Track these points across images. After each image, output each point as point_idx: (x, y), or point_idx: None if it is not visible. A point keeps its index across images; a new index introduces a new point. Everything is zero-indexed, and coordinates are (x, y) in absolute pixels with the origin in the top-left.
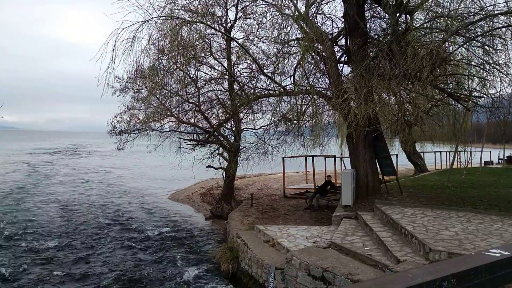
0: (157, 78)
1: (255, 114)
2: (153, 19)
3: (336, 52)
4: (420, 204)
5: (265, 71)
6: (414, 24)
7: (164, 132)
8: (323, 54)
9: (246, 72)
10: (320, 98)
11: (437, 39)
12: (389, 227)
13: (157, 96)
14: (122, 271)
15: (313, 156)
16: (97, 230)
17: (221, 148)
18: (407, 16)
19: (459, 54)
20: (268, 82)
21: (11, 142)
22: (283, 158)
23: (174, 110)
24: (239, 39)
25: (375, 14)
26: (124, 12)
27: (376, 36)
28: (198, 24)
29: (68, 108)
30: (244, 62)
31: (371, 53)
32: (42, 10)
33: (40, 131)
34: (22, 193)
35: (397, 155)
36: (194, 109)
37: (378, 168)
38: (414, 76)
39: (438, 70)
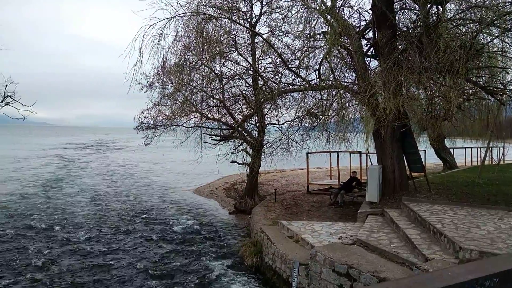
0: (182, 74)
1: (279, 109)
2: (180, 15)
3: (363, 46)
4: (449, 201)
5: (289, 65)
6: (445, 15)
7: (189, 127)
8: (350, 47)
9: (270, 67)
10: (346, 93)
11: (470, 31)
12: (417, 224)
13: (183, 92)
14: (148, 263)
15: (338, 152)
16: (124, 222)
17: (245, 143)
18: (439, 7)
19: (494, 46)
20: (292, 77)
21: (43, 137)
22: (307, 153)
23: (199, 105)
24: (264, 34)
25: (404, 6)
26: (152, 10)
27: (406, 29)
28: (223, 19)
29: (97, 104)
30: (269, 57)
31: (400, 46)
32: (74, 8)
33: (70, 126)
34: (55, 185)
35: (425, 150)
36: (218, 104)
37: (406, 164)
38: (446, 70)
39: (471, 63)
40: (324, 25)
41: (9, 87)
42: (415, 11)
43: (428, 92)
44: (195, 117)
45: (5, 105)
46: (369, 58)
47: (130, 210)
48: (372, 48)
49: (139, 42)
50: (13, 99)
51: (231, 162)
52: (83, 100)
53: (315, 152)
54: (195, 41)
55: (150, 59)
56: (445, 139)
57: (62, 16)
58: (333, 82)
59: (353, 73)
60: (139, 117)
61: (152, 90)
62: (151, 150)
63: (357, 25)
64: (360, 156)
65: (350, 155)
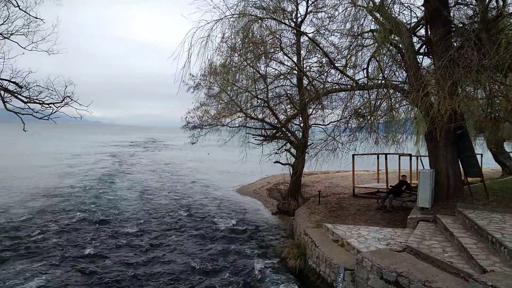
0: (228, 75)
1: (325, 110)
2: (227, 17)
3: (415, 43)
4: (510, 209)
5: (336, 64)
6: (507, 10)
7: (233, 127)
8: (400, 45)
9: (316, 67)
10: (396, 92)
11: None
12: (473, 233)
13: (228, 93)
14: (193, 259)
15: (386, 154)
16: (171, 218)
17: (288, 144)
18: (499, 0)
19: None
20: (339, 76)
21: (98, 135)
22: (353, 155)
23: (243, 106)
24: (309, 33)
25: (459, 1)
26: (201, 13)
27: (462, 25)
28: (268, 20)
29: (147, 105)
30: (314, 56)
31: (455, 43)
32: (126, 12)
33: (122, 125)
34: (107, 181)
35: (482, 154)
36: (262, 104)
37: (461, 169)
38: (507, 67)
39: None
40: (373, 23)
41: (68, 88)
42: (472, 6)
43: (487, 91)
44: (239, 117)
45: (65, 105)
46: (421, 56)
47: (176, 207)
48: (424, 46)
49: (188, 44)
50: (71, 99)
51: (274, 162)
52: (134, 101)
53: (362, 154)
54: (240, 42)
55: (198, 60)
56: (504, 142)
57: (116, 19)
58: (382, 81)
59: (404, 72)
60: (186, 117)
61: (199, 91)
62: (196, 149)
63: (408, 22)
64: (410, 159)
65: (400, 158)
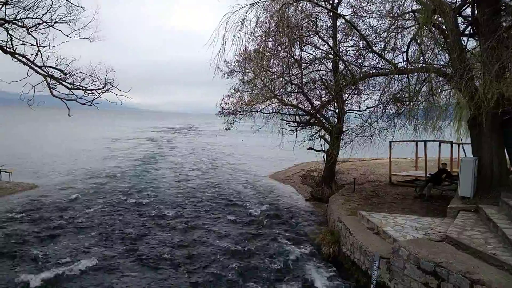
0: (262, 60)
1: (361, 95)
2: (261, 1)
3: (460, 24)
4: None
5: (374, 48)
6: None
7: (267, 113)
8: (443, 26)
9: (352, 51)
10: (438, 77)
11: None
12: None
13: (262, 78)
14: (227, 242)
15: (425, 141)
16: (205, 202)
17: (322, 130)
18: None
19: None
20: (377, 60)
21: (136, 120)
22: (390, 142)
23: (277, 91)
24: (346, 15)
25: None
26: None
27: None
28: (304, 2)
29: (183, 91)
30: (351, 39)
31: (504, 23)
32: (165, 4)
33: (159, 111)
34: (147, 164)
35: None
36: (296, 90)
37: (507, 157)
38: None
39: None
40: (414, 3)
41: (109, 75)
42: None
43: None
44: (273, 103)
45: (106, 91)
46: (465, 38)
47: (210, 191)
48: (470, 27)
49: (222, 30)
50: (112, 85)
51: (308, 149)
52: (170, 88)
53: (400, 141)
54: (275, 26)
55: (232, 46)
56: None
57: (154, 10)
58: (423, 65)
59: (447, 55)
60: (221, 103)
61: (233, 77)
62: (231, 135)
63: (453, 1)
64: (451, 146)
65: (440, 145)
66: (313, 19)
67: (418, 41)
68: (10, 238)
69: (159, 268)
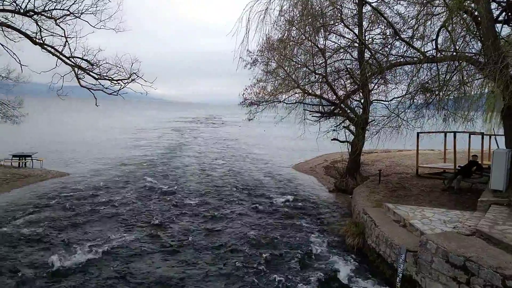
0: (285, 50)
1: (388, 85)
2: None
3: (493, 10)
4: None
5: (402, 36)
6: None
7: (290, 103)
8: (476, 13)
9: (379, 39)
10: (470, 65)
11: None
12: None
13: (285, 68)
14: (250, 232)
15: (455, 132)
16: (228, 191)
17: (347, 120)
18: None
19: None
20: (404, 49)
21: (161, 111)
22: (418, 133)
23: (300, 81)
24: (372, 2)
25: None
26: None
27: None
28: None
29: (206, 82)
30: (378, 27)
31: None
32: None
33: (183, 102)
34: (171, 153)
35: None
36: (320, 80)
37: None
38: None
39: None
40: None
41: (134, 65)
42: None
43: None
44: (296, 93)
45: (132, 81)
46: (499, 25)
47: (234, 181)
48: (504, 13)
49: (245, 19)
50: (137, 76)
51: (332, 140)
52: (194, 78)
53: (428, 132)
54: (298, 15)
55: (256, 35)
56: None
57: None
58: (453, 53)
59: (479, 43)
60: (243, 93)
61: (256, 67)
62: (254, 125)
63: None
64: (483, 138)
65: (470, 137)
66: (338, 7)
67: (449, 28)
68: (42, 222)
69: (183, 254)
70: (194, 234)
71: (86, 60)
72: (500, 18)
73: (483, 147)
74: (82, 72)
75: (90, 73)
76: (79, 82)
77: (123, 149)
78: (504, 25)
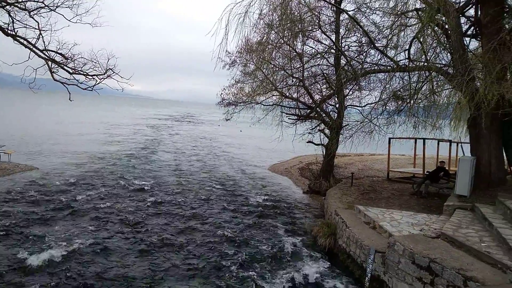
0: (264, 52)
1: (362, 91)
2: None
3: (462, 24)
4: None
5: (376, 44)
6: None
7: (267, 105)
8: (446, 26)
9: (355, 46)
10: (439, 76)
11: None
12: None
13: (263, 71)
14: (225, 231)
15: (424, 139)
16: (204, 191)
17: (322, 124)
18: None
19: None
20: (379, 57)
21: (137, 107)
22: (389, 139)
23: (278, 84)
24: (349, 11)
25: None
26: None
27: None
28: None
29: (183, 80)
30: (354, 35)
31: (507, 25)
32: None
33: (159, 99)
34: (146, 151)
35: None
36: (297, 83)
37: (505, 158)
38: None
39: None
40: (418, 1)
41: (110, 61)
42: None
43: None
44: (274, 95)
45: (107, 77)
46: (468, 38)
47: (210, 180)
48: (472, 27)
49: (225, 21)
50: (114, 72)
51: (307, 142)
52: (171, 75)
53: (399, 138)
54: (278, 19)
55: (235, 37)
56: None
57: None
58: (424, 64)
59: (449, 54)
60: (221, 93)
61: (234, 68)
62: (231, 125)
63: (456, 1)
64: (450, 145)
65: (438, 144)
66: (316, 13)
67: (421, 39)
68: (10, 217)
69: (157, 252)
70: (168, 232)
71: (60, 54)
72: (469, 32)
73: (451, 154)
74: (56, 66)
75: (64, 67)
76: (52, 76)
77: (96, 144)
78: (472, 39)
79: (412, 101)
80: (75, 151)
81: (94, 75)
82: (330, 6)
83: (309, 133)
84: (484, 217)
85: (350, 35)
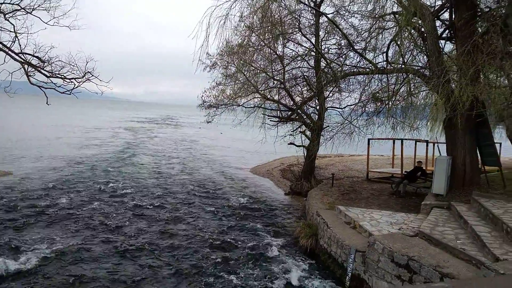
0: (245, 55)
1: (342, 93)
2: None
3: (438, 27)
4: None
5: (355, 47)
6: None
7: (249, 107)
8: (422, 29)
9: (334, 49)
10: (416, 78)
11: None
12: (488, 221)
13: (244, 73)
14: (207, 234)
15: (402, 140)
16: (186, 193)
17: (303, 126)
18: None
19: None
20: (358, 59)
21: (114, 110)
22: (369, 139)
23: (259, 86)
24: (329, 14)
25: None
26: None
27: (488, 9)
28: None
29: (163, 82)
30: (333, 38)
31: (480, 29)
32: None
33: (138, 101)
34: (125, 154)
35: (500, 143)
36: (278, 86)
37: (479, 157)
38: None
39: None
40: (395, 5)
41: (89, 64)
42: None
43: (510, 79)
44: (255, 97)
45: (86, 80)
46: (443, 41)
47: (191, 183)
48: (447, 30)
49: (206, 24)
50: (92, 75)
51: (288, 144)
52: (150, 78)
53: (378, 139)
54: (258, 21)
55: (216, 40)
56: None
57: None
58: (402, 66)
59: (425, 57)
60: (202, 95)
61: (215, 70)
62: (212, 127)
63: (432, 5)
64: (427, 145)
65: (416, 144)
66: (296, 16)
67: (398, 42)
68: None
69: (138, 256)
70: (149, 236)
71: (36, 57)
72: (444, 35)
73: (427, 154)
74: (33, 69)
75: (41, 70)
76: (29, 79)
77: (73, 148)
78: (447, 42)
79: (390, 103)
80: (51, 155)
81: (72, 78)
82: (309, 9)
83: (291, 135)
84: (460, 215)
85: (330, 38)
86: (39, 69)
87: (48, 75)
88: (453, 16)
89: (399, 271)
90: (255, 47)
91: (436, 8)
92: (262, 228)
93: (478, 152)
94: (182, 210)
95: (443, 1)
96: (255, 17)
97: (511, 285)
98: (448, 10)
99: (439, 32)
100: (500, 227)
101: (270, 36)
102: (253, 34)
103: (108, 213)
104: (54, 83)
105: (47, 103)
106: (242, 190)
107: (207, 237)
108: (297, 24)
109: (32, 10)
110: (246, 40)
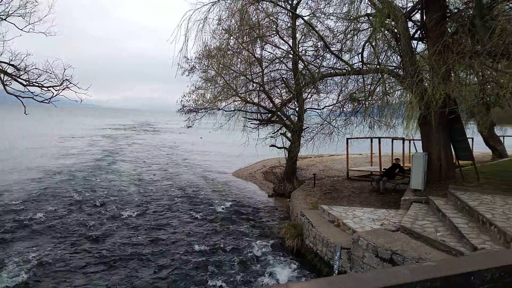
0: (224, 58)
1: (320, 94)
2: None
3: (410, 28)
4: (500, 191)
5: (331, 49)
6: None
7: (229, 111)
8: (395, 30)
9: (311, 51)
10: (391, 77)
11: None
12: (464, 213)
13: (223, 76)
14: (193, 240)
15: (379, 138)
16: (168, 200)
17: (284, 127)
18: None
19: None
20: (334, 61)
21: (92, 118)
22: (347, 139)
23: (239, 90)
24: (305, 16)
25: None
26: None
27: (457, 10)
28: (265, 2)
29: (141, 87)
30: (310, 40)
31: (450, 29)
32: None
33: (116, 108)
34: (104, 163)
35: (473, 138)
36: (258, 88)
37: (453, 152)
38: (500, 54)
39: None
40: (369, 7)
41: (67, 71)
42: None
43: (479, 77)
44: (235, 101)
45: (64, 88)
46: (415, 42)
47: (173, 189)
48: (419, 31)
49: (185, 27)
50: (70, 83)
51: (270, 146)
52: (128, 83)
53: (356, 138)
54: (236, 25)
55: (195, 44)
56: (495, 127)
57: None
58: (377, 66)
59: (399, 57)
60: (182, 100)
61: (194, 74)
62: (192, 132)
63: (404, 6)
64: (403, 142)
65: (393, 142)
66: (273, 19)
67: (373, 43)
68: None
69: (123, 266)
70: (132, 245)
71: (12, 65)
72: (416, 35)
73: (404, 151)
74: (9, 78)
75: (18, 79)
76: (5, 88)
77: (50, 158)
78: (419, 42)
79: (367, 102)
80: (27, 167)
81: (50, 86)
82: (286, 11)
83: (272, 137)
84: (438, 208)
85: (307, 40)
86: (15, 77)
87: (25, 83)
88: (424, 17)
89: (383, 266)
90: (234, 50)
91: (408, 9)
92: (247, 231)
93: (452, 147)
94: (165, 217)
95: (415, 2)
96: (233, 20)
97: (492, 256)
98: (420, 11)
99: (411, 33)
100: (476, 218)
101: (249, 39)
102: (231, 37)
103: (88, 224)
104: (32, 92)
105: (25, 112)
106: (225, 194)
107: (192, 243)
108: (274, 26)
109: (7, 17)
110: (224, 43)
